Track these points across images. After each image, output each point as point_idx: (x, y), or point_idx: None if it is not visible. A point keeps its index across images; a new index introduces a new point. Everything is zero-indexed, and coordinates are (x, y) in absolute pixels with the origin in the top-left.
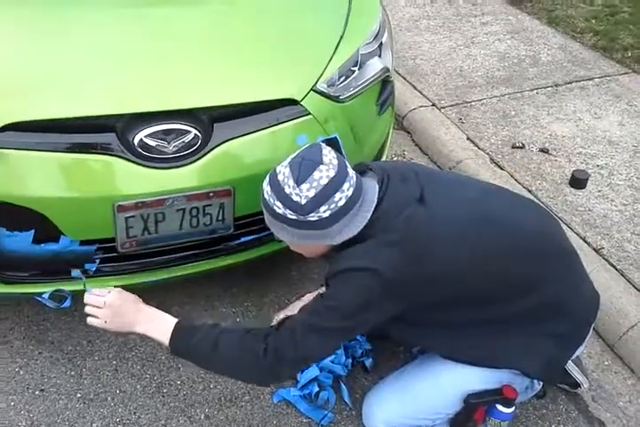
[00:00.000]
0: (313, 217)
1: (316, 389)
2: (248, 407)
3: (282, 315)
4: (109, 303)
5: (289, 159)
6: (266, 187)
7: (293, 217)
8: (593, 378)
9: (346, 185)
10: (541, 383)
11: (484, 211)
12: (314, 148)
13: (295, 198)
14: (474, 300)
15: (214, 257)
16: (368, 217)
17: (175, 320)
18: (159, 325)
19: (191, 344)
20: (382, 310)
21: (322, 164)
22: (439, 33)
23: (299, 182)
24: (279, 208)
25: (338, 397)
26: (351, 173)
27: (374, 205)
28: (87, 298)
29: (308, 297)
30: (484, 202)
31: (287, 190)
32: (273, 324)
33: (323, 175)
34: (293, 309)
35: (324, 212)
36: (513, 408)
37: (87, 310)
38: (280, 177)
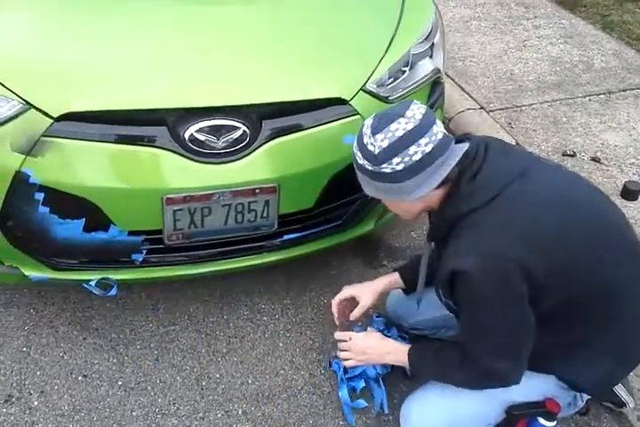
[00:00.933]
0: (387, 169)
1: (362, 385)
2: (285, 405)
3: (348, 292)
4: (352, 345)
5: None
6: (355, 137)
7: (369, 168)
8: (639, 397)
9: (424, 140)
10: (585, 400)
11: (582, 198)
12: (405, 102)
13: (370, 148)
14: (581, 299)
15: (257, 254)
16: (444, 175)
17: (405, 350)
18: (396, 355)
19: (424, 371)
20: (523, 301)
21: (402, 116)
22: (490, 35)
23: (375, 132)
24: (360, 158)
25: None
26: (436, 130)
27: (451, 167)
28: (338, 336)
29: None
30: (584, 192)
31: (365, 140)
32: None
33: (400, 127)
34: (361, 289)
35: (397, 164)
36: (555, 422)
37: (342, 354)
38: (364, 127)
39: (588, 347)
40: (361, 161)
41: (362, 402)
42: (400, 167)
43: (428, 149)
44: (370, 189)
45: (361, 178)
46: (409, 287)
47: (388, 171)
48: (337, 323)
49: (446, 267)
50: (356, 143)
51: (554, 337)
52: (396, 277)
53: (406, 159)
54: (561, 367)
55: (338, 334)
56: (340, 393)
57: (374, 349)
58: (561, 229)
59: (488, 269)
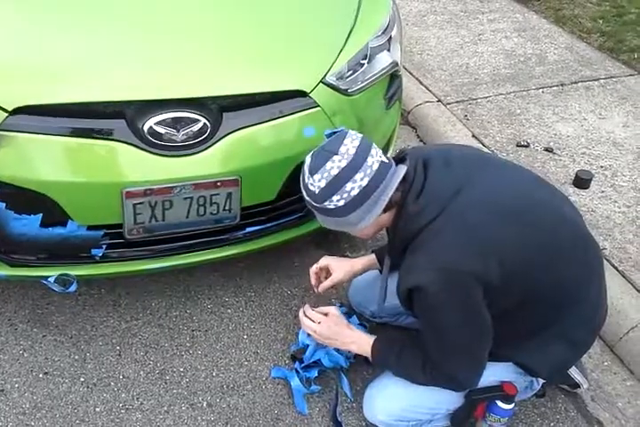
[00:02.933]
0: (329, 205)
1: (315, 375)
2: (250, 396)
3: (325, 262)
4: (315, 327)
5: (316, 148)
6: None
7: (315, 204)
8: (592, 378)
9: (359, 175)
10: (541, 383)
11: (531, 201)
12: (337, 137)
13: (310, 188)
14: (535, 293)
15: (220, 247)
16: (384, 205)
17: (370, 342)
18: (359, 344)
19: (385, 364)
20: (480, 307)
21: (336, 154)
22: (446, 29)
23: (312, 173)
24: (305, 196)
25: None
26: (371, 162)
27: (389, 196)
28: (309, 312)
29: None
30: (532, 192)
31: (305, 179)
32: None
33: (334, 166)
34: (339, 262)
35: (338, 201)
36: (512, 405)
37: (304, 319)
38: (304, 166)
39: (541, 335)
40: (307, 198)
41: (316, 388)
42: (341, 203)
43: (364, 182)
44: (321, 221)
45: (314, 212)
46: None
47: (331, 207)
48: (315, 290)
49: (402, 284)
50: (300, 181)
51: (508, 328)
52: (374, 259)
53: (345, 195)
54: (516, 355)
55: (310, 313)
56: (291, 382)
57: (339, 337)
58: (510, 236)
59: (442, 282)
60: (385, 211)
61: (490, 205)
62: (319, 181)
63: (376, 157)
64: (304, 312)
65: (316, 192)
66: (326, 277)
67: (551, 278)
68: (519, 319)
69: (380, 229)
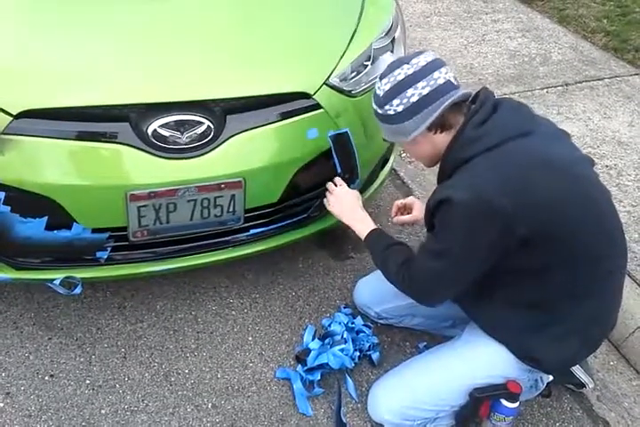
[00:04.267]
0: (390, 110)
1: (318, 378)
2: (255, 398)
3: (404, 200)
4: (336, 193)
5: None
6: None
7: (378, 110)
8: (598, 378)
9: (421, 84)
10: (545, 383)
11: (585, 172)
12: (418, 51)
13: (377, 91)
14: (565, 261)
15: (224, 249)
16: (435, 116)
17: (372, 227)
18: (362, 225)
19: (372, 251)
20: (492, 245)
21: (407, 63)
22: (450, 29)
23: (382, 77)
24: (373, 104)
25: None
26: (437, 75)
27: (442, 109)
28: (328, 185)
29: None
30: (588, 168)
31: (376, 85)
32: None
33: (402, 72)
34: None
35: (398, 106)
36: (517, 404)
37: (326, 194)
38: (378, 75)
39: (562, 324)
40: (374, 106)
41: (319, 390)
42: (400, 109)
43: (425, 91)
44: (383, 132)
45: (379, 124)
46: None
47: (391, 113)
48: (390, 219)
49: (437, 195)
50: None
51: (531, 295)
52: None
53: (404, 101)
54: (530, 340)
55: (336, 179)
56: (294, 385)
57: (349, 207)
58: (550, 193)
59: (473, 204)
60: (442, 131)
61: (547, 158)
62: (385, 84)
63: (444, 75)
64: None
65: (381, 95)
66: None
67: (579, 249)
68: (541, 289)
69: (435, 153)
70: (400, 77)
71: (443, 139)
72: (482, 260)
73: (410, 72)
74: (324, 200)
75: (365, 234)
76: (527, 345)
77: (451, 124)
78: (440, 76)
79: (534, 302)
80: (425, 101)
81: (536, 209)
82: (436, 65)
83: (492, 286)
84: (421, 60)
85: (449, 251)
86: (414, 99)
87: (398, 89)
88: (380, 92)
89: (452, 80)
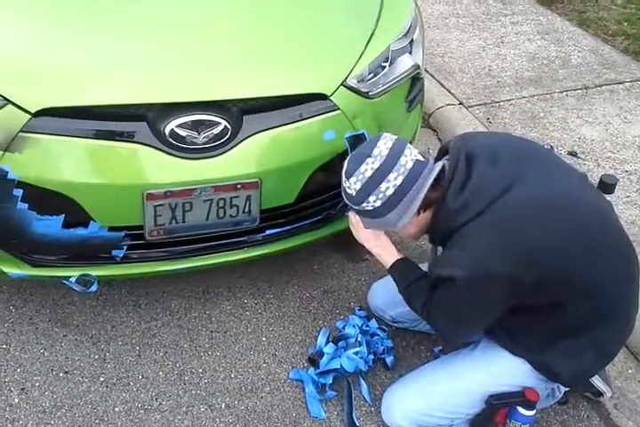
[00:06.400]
0: (367, 207)
1: (330, 381)
2: (268, 399)
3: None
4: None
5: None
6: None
7: (355, 207)
8: (616, 386)
9: (392, 175)
10: (563, 391)
11: (577, 202)
12: (371, 140)
13: (348, 191)
14: (578, 293)
15: (239, 249)
16: (419, 202)
17: (397, 257)
18: (385, 253)
19: (397, 281)
20: (505, 300)
21: (369, 156)
22: (468, 31)
23: (348, 176)
24: (345, 199)
25: (357, 393)
26: (404, 161)
27: (424, 193)
28: (350, 213)
29: None
30: (579, 193)
31: (344, 184)
32: None
33: (368, 168)
34: None
35: (375, 201)
36: (534, 411)
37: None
38: (343, 171)
39: (577, 338)
40: (347, 201)
41: (331, 393)
42: (378, 204)
43: (399, 181)
44: (365, 223)
45: (358, 216)
46: None
47: (369, 208)
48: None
49: (438, 271)
50: (342, 186)
51: (546, 324)
52: None
53: (380, 195)
54: (546, 354)
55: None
56: (306, 388)
57: (373, 233)
58: (549, 241)
59: (477, 280)
60: (425, 209)
61: (536, 206)
62: (355, 183)
63: (410, 157)
64: None
65: (354, 195)
66: None
67: (587, 275)
68: (558, 317)
69: (422, 230)
70: (368, 174)
71: (426, 216)
72: (497, 313)
73: (376, 166)
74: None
75: (389, 265)
76: (542, 360)
77: (431, 201)
78: (407, 161)
79: (550, 327)
80: (402, 191)
81: (541, 259)
82: (398, 150)
83: (508, 319)
84: (383, 149)
85: (462, 306)
86: (390, 191)
87: (370, 186)
88: (352, 192)
89: (420, 158)
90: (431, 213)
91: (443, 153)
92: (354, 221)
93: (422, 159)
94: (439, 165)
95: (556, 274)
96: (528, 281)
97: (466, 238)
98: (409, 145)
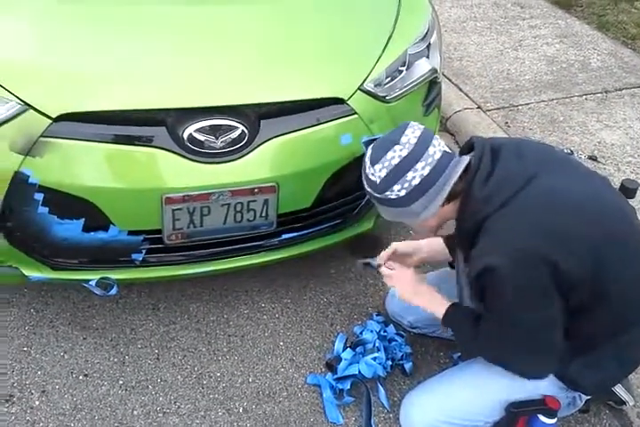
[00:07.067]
0: (391, 195)
1: (348, 387)
2: (285, 404)
3: (400, 247)
4: (394, 275)
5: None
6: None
7: (376, 195)
8: (638, 394)
9: (420, 164)
10: (584, 400)
11: (601, 199)
12: (400, 127)
13: (371, 178)
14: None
15: (256, 253)
16: (445, 194)
17: (447, 304)
18: (432, 301)
19: (457, 329)
20: (548, 289)
21: (397, 144)
22: (486, 35)
23: (373, 163)
24: (366, 186)
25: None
26: (432, 151)
27: (451, 186)
28: (382, 270)
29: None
30: (602, 190)
31: (367, 170)
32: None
33: (395, 155)
34: (414, 245)
35: (399, 191)
36: (555, 420)
37: (385, 271)
38: (365, 157)
39: (601, 348)
40: (368, 189)
41: (349, 399)
42: (403, 193)
43: (426, 171)
44: (383, 213)
45: (374, 202)
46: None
47: (392, 197)
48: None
49: (475, 265)
50: (362, 173)
51: (573, 331)
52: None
53: (406, 185)
54: (568, 366)
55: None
56: (323, 393)
57: (412, 284)
58: (578, 229)
59: (513, 264)
60: (449, 201)
61: (561, 197)
62: (380, 170)
63: (438, 147)
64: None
65: (377, 182)
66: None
67: (615, 274)
68: (583, 325)
69: (443, 222)
70: (395, 161)
71: (450, 208)
72: (559, 305)
73: (404, 154)
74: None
75: (442, 314)
76: (565, 369)
77: (457, 193)
78: (435, 151)
79: (574, 336)
80: (428, 182)
81: (572, 245)
82: (427, 139)
83: None
84: (411, 138)
85: (526, 323)
86: (416, 181)
87: (396, 174)
88: (376, 179)
89: (447, 150)
90: (455, 207)
91: (467, 149)
92: (391, 280)
93: (449, 151)
94: (466, 159)
95: (586, 269)
96: (564, 268)
97: (493, 229)
98: (436, 136)
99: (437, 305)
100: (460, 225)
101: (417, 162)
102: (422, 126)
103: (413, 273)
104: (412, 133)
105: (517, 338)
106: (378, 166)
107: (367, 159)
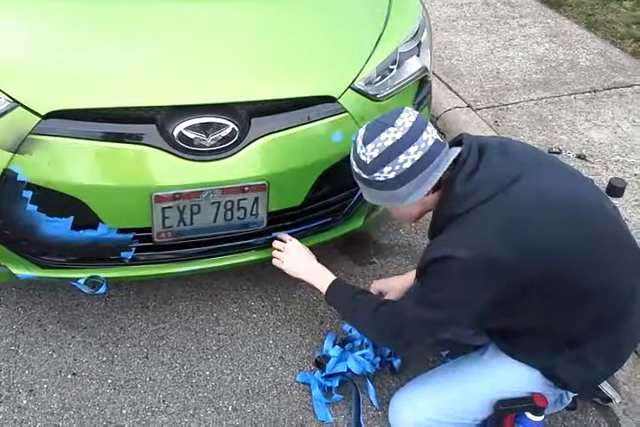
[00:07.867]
0: (379, 177)
1: (336, 384)
2: (275, 402)
3: (377, 286)
4: (289, 250)
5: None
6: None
7: (364, 176)
8: (624, 391)
9: (413, 148)
10: (571, 397)
11: (584, 202)
12: (395, 110)
13: (362, 157)
14: (570, 296)
15: (246, 251)
16: (434, 182)
17: (333, 278)
18: (320, 279)
19: (338, 303)
20: (483, 299)
21: (392, 126)
22: (476, 34)
23: (365, 142)
24: (355, 167)
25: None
26: (426, 137)
27: (440, 174)
28: (275, 244)
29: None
30: (585, 193)
31: (357, 149)
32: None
33: (389, 137)
34: (389, 283)
35: (389, 173)
36: (542, 417)
37: (273, 253)
38: (357, 137)
39: (586, 346)
40: (356, 170)
41: (338, 397)
42: (392, 175)
43: (418, 156)
44: (367, 195)
45: (359, 185)
46: None
47: (380, 179)
48: None
49: (435, 251)
50: (351, 153)
51: (556, 330)
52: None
53: (397, 168)
54: (555, 362)
55: (276, 243)
56: (312, 391)
57: (305, 260)
58: (551, 235)
59: (475, 264)
60: (433, 191)
61: (543, 200)
62: (372, 150)
63: (431, 134)
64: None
65: (367, 162)
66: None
67: (593, 277)
68: (567, 324)
69: (424, 212)
70: (388, 143)
71: (432, 198)
72: (475, 316)
73: (398, 136)
74: (273, 260)
75: (327, 286)
76: (549, 367)
77: (441, 184)
78: (428, 137)
79: (558, 334)
80: (418, 167)
81: (539, 254)
82: (421, 124)
83: (515, 327)
84: (406, 121)
85: (444, 302)
86: (407, 165)
87: (389, 155)
88: (367, 159)
89: (439, 138)
90: (437, 196)
91: (455, 145)
92: (281, 254)
93: (441, 140)
94: (457, 149)
95: (553, 273)
96: (534, 271)
97: (466, 223)
98: (429, 123)
99: (323, 281)
100: (437, 217)
101: (410, 146)
102: (417, 112)
103: (308, 252)
104: (408, 117)
105: (425, 316)
106: (370, 146)
107: (359, 138)
